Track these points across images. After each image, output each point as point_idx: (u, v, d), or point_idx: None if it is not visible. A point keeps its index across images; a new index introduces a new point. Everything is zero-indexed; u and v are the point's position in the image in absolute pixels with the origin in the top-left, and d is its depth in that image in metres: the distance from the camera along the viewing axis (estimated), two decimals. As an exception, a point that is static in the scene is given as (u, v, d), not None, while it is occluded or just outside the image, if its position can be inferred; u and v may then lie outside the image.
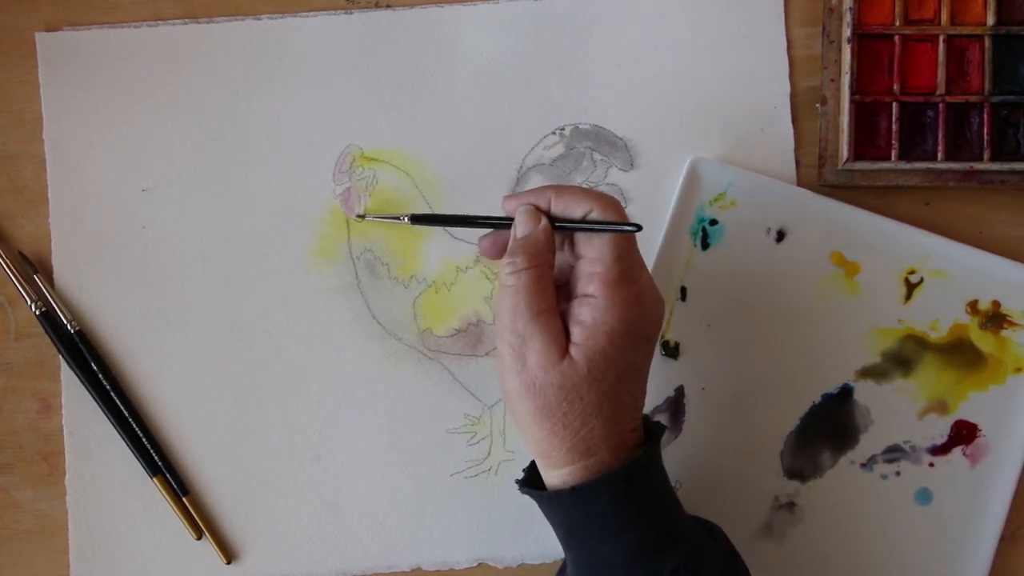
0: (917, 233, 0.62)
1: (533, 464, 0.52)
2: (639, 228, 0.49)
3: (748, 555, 0.54)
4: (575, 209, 0.51)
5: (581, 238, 0.51)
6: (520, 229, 0.52)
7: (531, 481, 0.52)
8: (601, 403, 0.48)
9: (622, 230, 0.50)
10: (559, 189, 0.52)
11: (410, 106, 0.64)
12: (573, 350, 0.48)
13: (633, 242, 0.51)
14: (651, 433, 0.52)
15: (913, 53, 0.62)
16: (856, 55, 0.62)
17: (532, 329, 0.49)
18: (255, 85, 0.64)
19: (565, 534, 0.51)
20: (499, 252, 0.54)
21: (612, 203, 0.51)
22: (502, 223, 0.54)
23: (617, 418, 0.49)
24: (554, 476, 0.50)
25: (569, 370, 0.48)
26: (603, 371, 0.48)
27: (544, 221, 0.51)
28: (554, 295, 0.51)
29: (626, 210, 0.64)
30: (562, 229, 0.52)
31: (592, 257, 0.50)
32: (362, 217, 0.62)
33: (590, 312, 0.49)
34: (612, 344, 0.49)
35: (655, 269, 0.62)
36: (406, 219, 0.59)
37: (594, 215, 0.50)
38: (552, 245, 0.51)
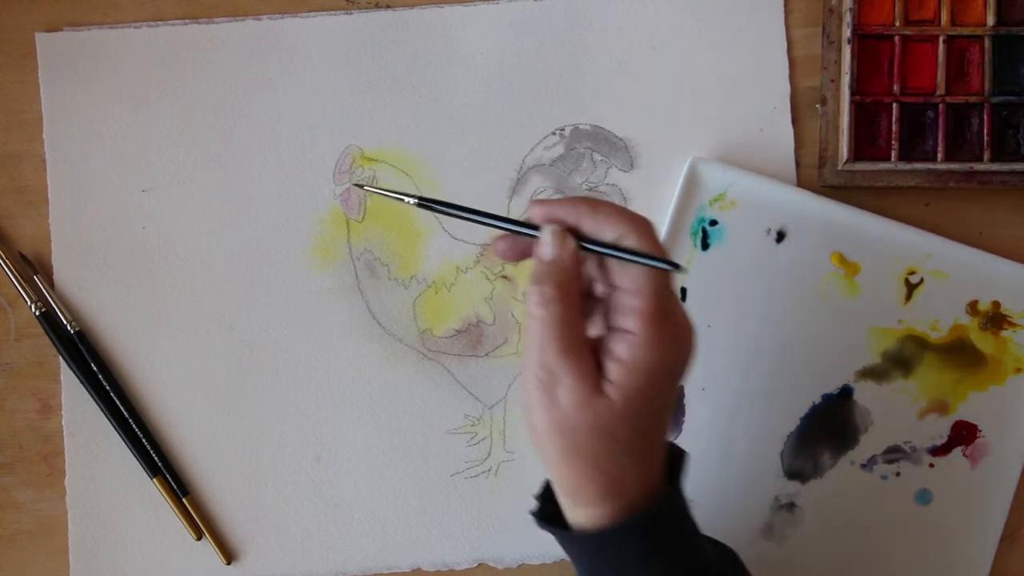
0: (917, 233, 0.62)
1: (546, 491, 0.49)
2: (679, 268, 0.46)
3: (748, 555, 0.54)
4: (607, 230, 0.47)
5: (615, 263, 0.47)
6: (546, 251, 0.47)
7: (547, 511, 0.49)
8: (633, 442, 0.46)
9: (660, 266, 0.46)
10: (594, 205, 0.47)
11: (410, 106, 0.64)
12: (609, 388, 0.45)
13: (670, 277, 0.47)
14: (673, 461, 0.49)
15: (913, 54, 0.62)
16: (856, 55, 0.62)
17: (563, 364, 0.45)
18: (255, 85, 0.64)
19: (587, 573, 0.48)
20: (516, 255, 0.50)
21: (649, 230, 0.47)
22: (522, 229, 0.49)
23: (648, 456, 0.47)
24: (579, 514, 0.47)
25: (603, 409, 0.45)
26: (638, 410, 0.45)
27: (573, 245, 0.47)
28: (584, 326, 0.47)
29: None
30: (592, 251, 0.47)
31: (630, 289, 0.46)
32: (360, 186, 0.55)
33: (628, 350, 0.45)
34: (651, 384, 0.45)
35: (655, 269, 0.62)
36: (411, 201, 0.50)
37: (629, 242, 0.46)
38: (580, 270, 0.47)
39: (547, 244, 0.47)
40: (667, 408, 0.48)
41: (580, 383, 0.45)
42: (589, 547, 0.47)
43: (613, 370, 0.46)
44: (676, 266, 0.46)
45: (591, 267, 0.49)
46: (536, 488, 0.50)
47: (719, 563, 0.50)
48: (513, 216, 0.61)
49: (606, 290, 0.48)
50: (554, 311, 0.46)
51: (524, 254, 0.49)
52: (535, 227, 0.48)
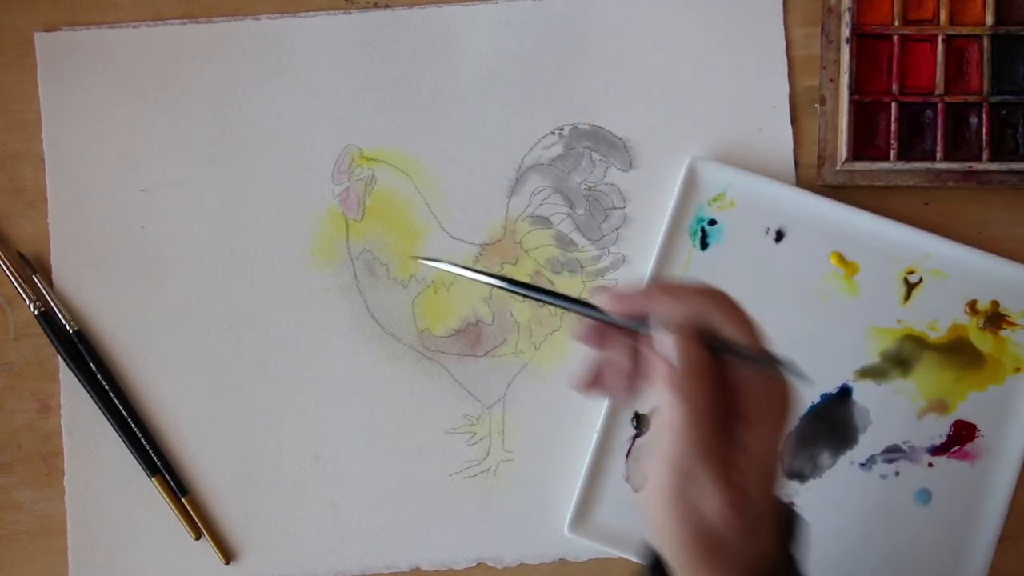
0: (916, 233, 0.62)
1: (655, 562, 0.46)
2: (804, 378, 0.43)
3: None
4: (731, 329, 0.42)
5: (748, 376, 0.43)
6: (680, 353, 0.42)
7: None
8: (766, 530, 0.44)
9: (774, 368, 0.42)
10: (719, 300, 0.43)
11: (409, 106, 0.64)
12: (750, 488, 0.42)
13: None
14: (790, 527, 0.46)
15: (912, 53, 0.62)
16: (855, 55, 0.62)
17: (704, 472, 0.42)
18: (254, 85, 0.64)
19: None
20: (600, 341, 0.44)
21: (758, 331, 0.43)
22: (611, 320, 0.43)
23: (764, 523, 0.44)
24: None
25: (750, 510, 0.42)
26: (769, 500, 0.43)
27: (701, 343, 0.42)
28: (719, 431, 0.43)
29: (624, 210, 0.64)
30: (722, 353, 0.42)
31: (760, 390, 0.43)
32: (431, 260, 0.47)
33: (759, 444, 0.42)
34: (778, 473, 0.44)
35: (654, 269, 0.62)
36: (502, 285, 0.44)
37: (749, 339, 0.42)
38: (716, 373, 0.42)
39: (673, 344, 0.42)
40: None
41: (724, 491, 0.42)
42: None
43: (749, 469, 0.43)
44: (797, 372, 0.43)
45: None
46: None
47: None
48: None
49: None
50: (697, 415, 0.42)
51: (609, 341, 0.44)
52: (642, 322, 0.43)
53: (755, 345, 0.42)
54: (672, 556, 0.44)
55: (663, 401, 0.42)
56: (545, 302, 0.45)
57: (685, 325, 0.42)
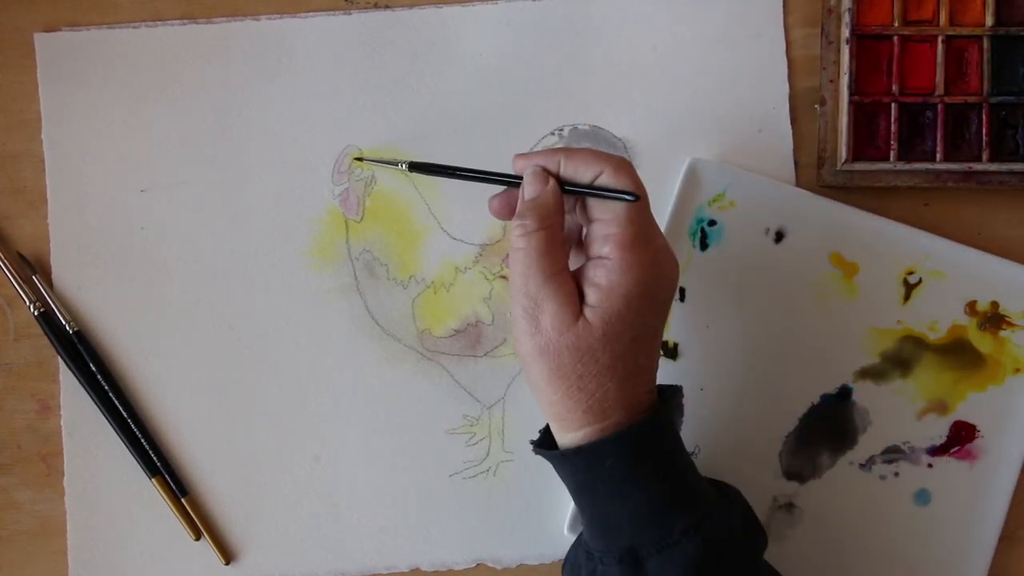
0: (916, 234, 0.62)
1: (548, 427, 0.52)
2: (636, 198, 0.49)
3: (747, 556, 0.54)
4: (585, 172, 0.50)
5: (593, 200, 0.51)
6: (528, 191, 0.51)
7: (544, 443, 0.52)
8: (616, 365, 0.48)
9: (620, 198, 0.49)
10: (569, 152, 0.51)
11: (408, 106, 0.64)
12: (588, 312, 0.48)
13: (646, 204, 0.51)
14: (665, 396, 0.52)
15: (912, 54, 0.62)
16: (855, 56, 0.62)
17: (545, 292, 0.48)
18: (254, 86, 0.64)
19: (576, 492, 0.51)
20: (509, 212, 0.54)
21: (622, 165, 0.50)
22: (509, 180, 0.53)
23: (632, 380, 0.49)
24: (568, 439, 0.50)
25: (584, 332, 0.48)
26: (618, 333, 0.48)
27: (552, 183, 0.51)
28: (566, 256, 0.51)
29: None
30: (570, 193, 0.51)
31: (606, 219, 0.50)
32: (359, 160, 0.60)
33: (605, 274, 0.49)
34: (628, 306, 0.48)
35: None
36: (403, 166, 0.59)
37: (604, 178, 0.50)
38: (561, 207, 0.51)
39: (528, 185, 0.51)
40: (650, 333, 0.50)
41: (561, 308, 0.48)
42: (572, 465, 0.50)
43: (592, 295, 0.49)
44: (635, 196, 0.49)
45: (579, 217, 0.52)
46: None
47: (704, 490, 0.51)
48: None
49: (588, 226, 0.51)
50: (535, 241, 0.49)
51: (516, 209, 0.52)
52: (519, 177, 0.52)
53: (612, 182, 0.50)
54: (528, 381, 0.51)
55: (512, 234, 0.50)
56: (454, 177, 0.56)
57: (540, 172, 0.51)
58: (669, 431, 0.51)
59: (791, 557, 0.62)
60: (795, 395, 0.62)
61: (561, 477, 0.51)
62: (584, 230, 0.52)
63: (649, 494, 0.48)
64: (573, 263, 0.53)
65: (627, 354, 0.49)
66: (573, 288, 0.49)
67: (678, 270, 0.52)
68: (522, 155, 0.53)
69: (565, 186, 0.51)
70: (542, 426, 0.53)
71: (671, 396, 0.52)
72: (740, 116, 0.64)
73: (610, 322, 0.48)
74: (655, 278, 0.50)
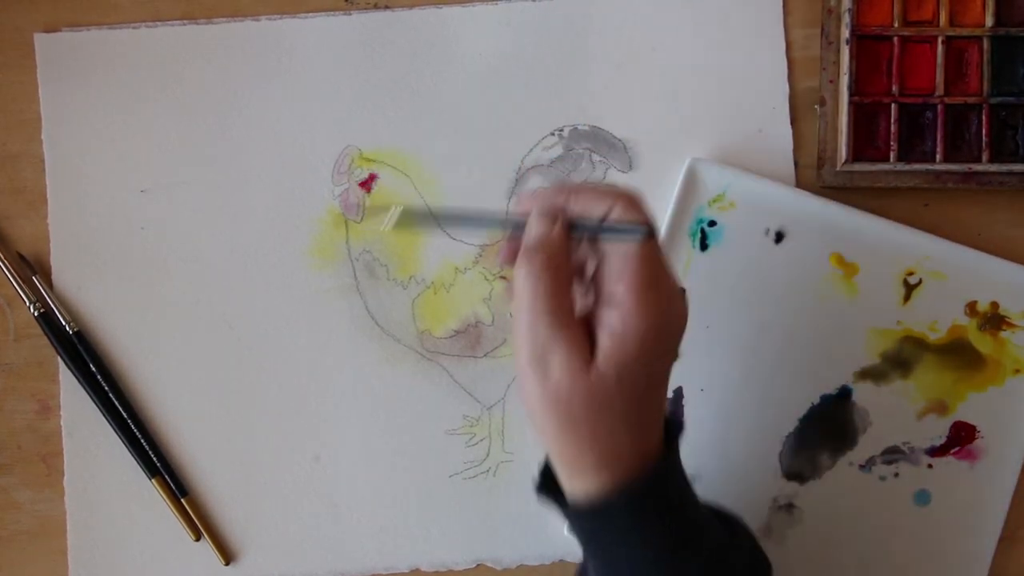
0: (916, 234, 0.62)
1: (547, 466, 0.50)
2: (650, 232, 0.46)
3: (747, 556, 0.54)
4: (594, 209, 0.48)
5: (603, 236, 0.48)
6: (535, 230, 0.48)
7: (547, 482, 0.50)
8: (628, 411, 0.46)
9: (633, 236, 0.46)
10: (577, 189, 0.49)
11: (409, 107, 0.64)
12: (601, 358, 0.46)
13: (658, 245, 0.48)
14: (669, 432, 0.50)
15: (912, 54, 0.62)
16: (855, 56, 0.62)
17: (554, 338, 0.45)
18: (254, 86, 0.64)
19: (585, 541, 0.49)
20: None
21: (633, 202, 0.47)
22: (512, 222, 0.50)
23: (643, 427, 0.47)
24: (575, 487, 0.48)
25: (597, 380, 0.45)
26: (632, 379, 0.46)
27: (560, 222, 0.48)
28: (573, 300, 0.47)
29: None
30: (579, 231, 0.48)
31: (618, 257, 0.47)
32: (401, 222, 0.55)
33: (620, 319, 0.46)
34: (643, 351, 0.46)
35: (654, 270, 0.62)
36: (390, 223, 0.53)
37: (616, 214, 0.47)
38: (568, 247, 0.48)
39: (534, 225, 0.48)
40: (662, 377, 0.48)
41: (572, 355, 0.45)
42: (584, 518, 0.48)
43: (605, 340, 0.46)
44: (648, 229, 0.46)
45: (588, 252, 0.49)
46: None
47: (712, 530, 0.50)
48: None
49: (597, 263, 0.49)
50: (543, 285, 0.46)
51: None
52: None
53: (622, 218, 0.47)
54: (536, 428, 0.47)
55: (516, 275, 0.47)
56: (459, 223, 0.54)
57: (546, 210, 0.48)
58: (677, 476, 0.49)
59: (791, 557, 0.62)
60: (795, 395, 0.62)
61: (569, 524, 0.50)
62: (589, 264, 0.50)
63: (661, 544, 0.47)
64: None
65: (640, 399, 0.46)
66: (583, 333, 0.46)
67: (688, 309, 0.49)
68: (527, 195, 0.50)
69: (573, 225, 0.48)
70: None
71: (676, 434, 0.50)
72: (740, 116, 0.64)
73: (624, 368, 0.45)
74: (668, 322, 0.47)
